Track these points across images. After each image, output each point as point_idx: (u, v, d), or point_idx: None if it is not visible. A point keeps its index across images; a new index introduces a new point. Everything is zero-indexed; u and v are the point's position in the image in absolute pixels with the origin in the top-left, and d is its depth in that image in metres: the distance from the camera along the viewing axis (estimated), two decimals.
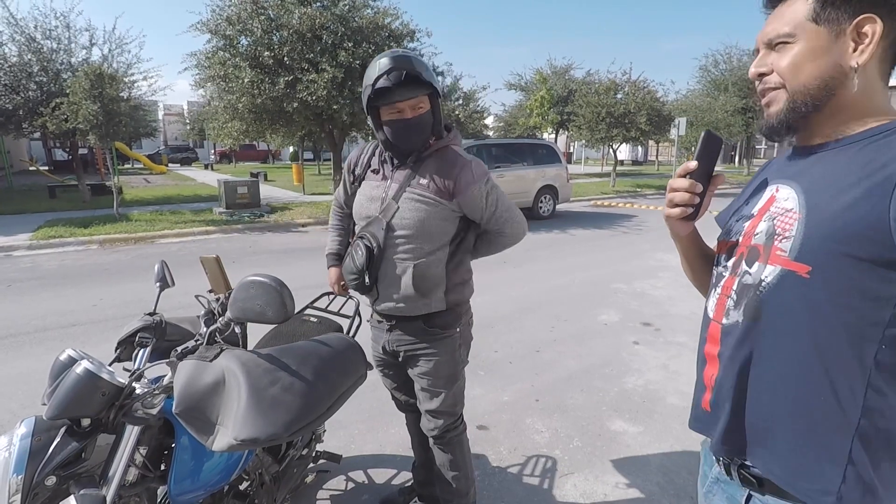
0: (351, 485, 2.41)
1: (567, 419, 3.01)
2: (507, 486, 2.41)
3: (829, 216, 0.76)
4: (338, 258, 2.05)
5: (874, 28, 0.77)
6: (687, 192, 0.94)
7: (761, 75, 0.88)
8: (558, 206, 11.83)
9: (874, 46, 0.78)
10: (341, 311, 2.19)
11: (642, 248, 7.96)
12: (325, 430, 2.40)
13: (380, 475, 2.48)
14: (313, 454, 2.22)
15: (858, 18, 0.78)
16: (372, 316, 1.94)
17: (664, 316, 4.88)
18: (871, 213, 0.71)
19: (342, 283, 2.03)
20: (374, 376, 1.98)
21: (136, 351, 1.60)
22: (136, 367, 1.51)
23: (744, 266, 0.88)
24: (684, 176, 0.94)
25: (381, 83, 1.56)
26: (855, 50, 0.79)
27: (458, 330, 1.84)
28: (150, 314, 1.67)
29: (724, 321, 0.91)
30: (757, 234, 0.87)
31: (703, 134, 0.95)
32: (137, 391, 1.36)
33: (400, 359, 1.88)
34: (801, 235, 0.78)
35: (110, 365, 1.43)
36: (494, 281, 5.89)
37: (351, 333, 2.04)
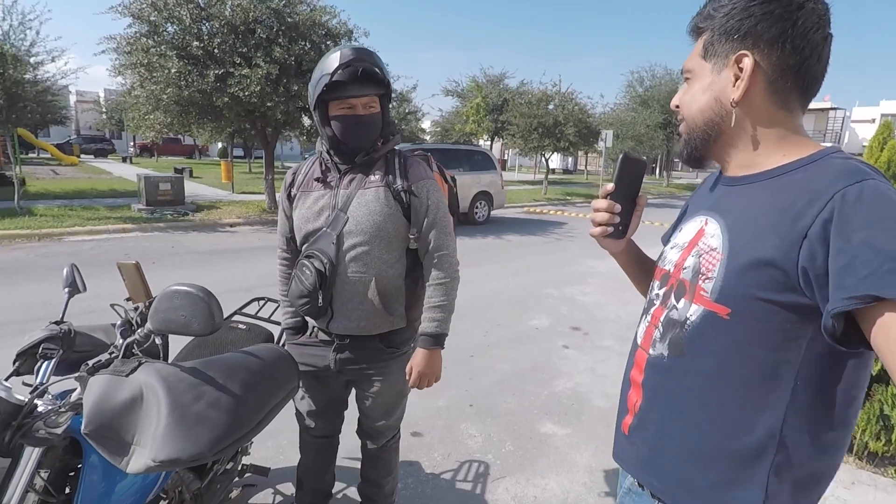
0: (279, 498, 2.32)
1: (499, 423, 3.06)
2: (440, 493, 2.41)
3: (746, 261, 0.77)
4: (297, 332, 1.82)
5: (748, 64, 0.79)
6: (606, 212, 0.98)
7: (677, 107, 0.93)
8: (493, 212, 12.07)
9: (747, 82, 0.79)
10: (272, 318, 2.10)
11: (572, 255, 8.27)
12: (252, 442, 2.30)
13: None
14: (239, 468, 2.12)
15: (735, 55, 0.80)
16: (313, 331, 1.79)
17: (592, 320, 5.07)
18: (784, 262, 0.72)
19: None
20: None
21: (38, 363, 1.45)
22: (38, 381, 1.37)
23: (672, 300, 0.89)
24: (605, 197, 0.98)
25: (338, 76, 1.49)
26: (734, 86, 0.81)
27: (412, 346, 1.77)
28: (57, 322, 1.52)
29: (651, 352, 0.92)
30: (685, 268, 0.87)
31: (620, 157, 0.99)
32: (40, 409, 1.23)
33: (344, 378, 1.79)
34: (722, 278, 0.79)
35: (7, 379, 1.29)
36: None
37: (282, 342, 1.96)
